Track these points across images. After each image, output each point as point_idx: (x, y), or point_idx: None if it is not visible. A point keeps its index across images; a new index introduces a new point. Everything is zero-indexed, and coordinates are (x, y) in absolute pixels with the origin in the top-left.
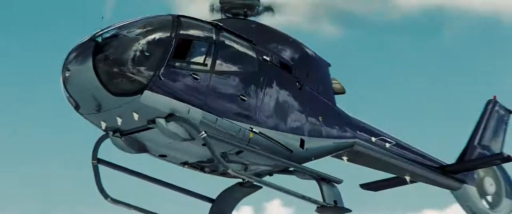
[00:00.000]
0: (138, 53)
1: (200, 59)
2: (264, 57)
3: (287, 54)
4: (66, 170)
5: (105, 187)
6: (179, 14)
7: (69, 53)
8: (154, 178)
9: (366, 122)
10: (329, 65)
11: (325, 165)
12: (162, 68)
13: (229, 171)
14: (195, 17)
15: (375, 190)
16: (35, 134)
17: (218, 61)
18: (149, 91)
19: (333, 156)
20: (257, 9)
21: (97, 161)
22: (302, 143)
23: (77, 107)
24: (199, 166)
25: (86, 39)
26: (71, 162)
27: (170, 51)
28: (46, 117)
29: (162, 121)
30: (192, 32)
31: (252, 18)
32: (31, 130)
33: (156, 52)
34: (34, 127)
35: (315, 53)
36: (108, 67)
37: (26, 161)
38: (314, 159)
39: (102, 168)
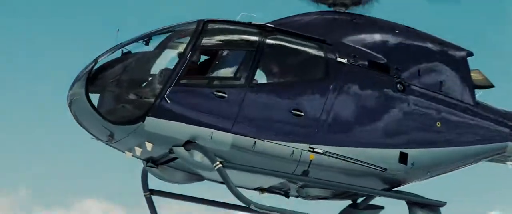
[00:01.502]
0: (138, 73)
1: (229, 71)
2: (340, 59)
3: (387, 50)
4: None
5: None
6: (211, 18)
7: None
8: (226, 203)
9: None
10: (469, 54)
11: None
12: (169, 88)
13: (251, 206)
14: (238, 20)
15: None
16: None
17: (259, 72)
18: (153, 117)
19: (490, 161)
20: None
21: (150, 192)
22: (403, 157)
23: (92, 135)
24: (279, 191)
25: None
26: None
27: (182, 66)
28: None
29: (180, 150)
30: (221, 40)
31: (353, 9)
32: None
33: (162, 69)
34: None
35: (443, 44)
36: (102, 93)
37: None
38: (433, 175)
39: (156, 199)
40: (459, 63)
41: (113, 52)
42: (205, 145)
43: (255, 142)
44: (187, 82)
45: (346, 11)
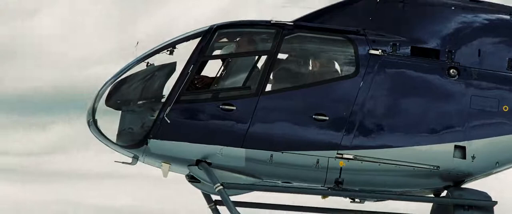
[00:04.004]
0: (142, 91)
1: (239, 80)
2: (373, 50)
3: (438, 32)
4: None
5: None
6: (224, 23)
7: None
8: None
9: None
10: None
11: None
12: (169, 107)
13: None
14: (251, 20)
15: None
16: None
17: (273, 78)
18: (155, 139)
19: None
20: None
21: (214, 203)
22: (460, 150)
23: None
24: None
25: None
26: None
27: (183, 81)
28: None
29: (195, 170)
30: (230, 46)
31: None
32: None
33: (161, 87)
34: None
35: None
36: (107, 117)
37: None
38: (506, 166)
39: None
40: None
41: (130, 68)
42: (218, 162)
43: (272, 154)
44: (190, 98)
45: None
